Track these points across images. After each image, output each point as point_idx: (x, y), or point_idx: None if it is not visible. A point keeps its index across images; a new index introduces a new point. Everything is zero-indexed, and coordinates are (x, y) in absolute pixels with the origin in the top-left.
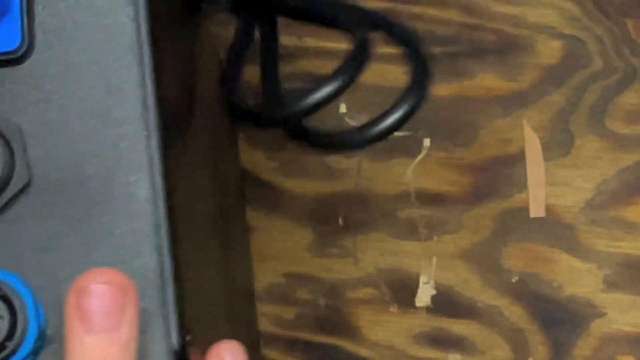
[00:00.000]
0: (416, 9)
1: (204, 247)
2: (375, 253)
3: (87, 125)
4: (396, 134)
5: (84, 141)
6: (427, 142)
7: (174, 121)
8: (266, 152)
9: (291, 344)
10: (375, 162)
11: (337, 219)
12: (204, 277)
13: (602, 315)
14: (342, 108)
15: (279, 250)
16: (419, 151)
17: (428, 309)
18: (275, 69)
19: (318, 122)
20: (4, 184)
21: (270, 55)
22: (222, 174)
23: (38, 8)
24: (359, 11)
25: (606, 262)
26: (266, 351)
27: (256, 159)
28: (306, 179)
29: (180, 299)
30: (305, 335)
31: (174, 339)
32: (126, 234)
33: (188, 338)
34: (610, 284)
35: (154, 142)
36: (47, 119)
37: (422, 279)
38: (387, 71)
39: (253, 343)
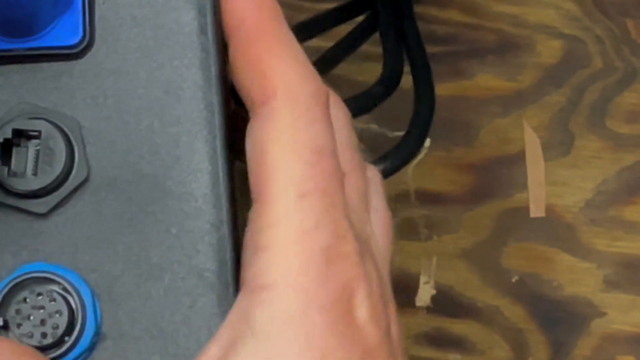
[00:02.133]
0: (416, 9)
1: None
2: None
3: (144, 123)
4: (396, 133)
5: (142, 139)
6: (427, 142)
7: (226, 118)
8: None
9: None
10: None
11: None
12: None
13: (602, 315)
14: None
15: None
16: (418, 151)
17: (428, 309)
18: (333, 64)
19: None
20: (63, 179)
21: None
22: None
23: (98, 3)
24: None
25: (606, 262)
26: None
27: None
28: None
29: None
30: None
31: None
32: (183, 232)
33: None
34: (610, 284)
35: (218, 141)
36: (104, 115)
37: (422, 279)
38: None
39: None
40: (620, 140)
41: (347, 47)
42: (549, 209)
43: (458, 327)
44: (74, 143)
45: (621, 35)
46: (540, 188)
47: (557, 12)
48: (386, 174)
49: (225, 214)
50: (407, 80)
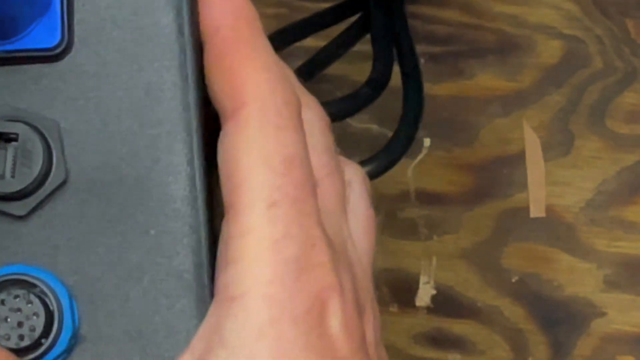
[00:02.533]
0: (416, 9)
1: None
2: (376, 253)
3: (124, 125)
4: None
5: (121, 140)
6: (427, 142)
7: (205, 121)
8: None
9: None
10: None
11: None
12: None
13: (602, 315)
14: None
15: None
16: (419, 151)
17: (428, 309)
18: (323, 66)
19: None
20: (41, 181)
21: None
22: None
23: (78, 5)
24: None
25: (606, 262)
26: None
27: None
28: None
29: None
30: None
31: None
32: (162, 234)
33: None
34: (610, 284)
35: (195, 143)
36: (84, 117)
37: (422, 279)
38: None
39: None
40: (620, 140)
41: (338, 48)
42: (549, 209)
43: (458, 327)
44: (52, 145)
45: (621, 35)
46: (540, 188)
47: (557, 12)
48: (375, 175)
49: (202, 216)
50: (396, 79)
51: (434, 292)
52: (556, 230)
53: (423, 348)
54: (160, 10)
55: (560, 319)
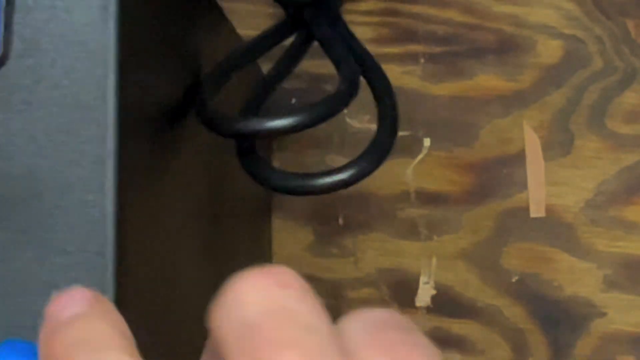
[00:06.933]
0: (416, 9)
1: (178, 261)
2: (375, 253)
3: (51, 140)
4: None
5: (46, 156)
6: (427, 142)
7: (142, 140)
8: (266, 152)
9: None
10: None
11: (337, 219)
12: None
13: (602, 315)
14: None
15: (279, 250)
16: (419, 151)
17: (428, 309)
18: (275, 84)
19: None
20: None
21: (283, 69)
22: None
23: (16, 18)
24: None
25: (606, 262)
26: None
27: None
28: None
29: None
30: None
31: None
32: (79, 252)
33: None
34: (610, 284)
35: (110, 164)
36: (11, 130)
37: (422, 279)
38: (386, 70)
39: None
40: (620, 140)
41: (285, 66)
42: (549, 209)
43: (458, 327)
44: None
45: (621, 35)
46: (540, 188)
47: (557, 12)
48: (358, 179)
49: (110, 239)
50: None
51: (434, 292)
52: (556, 230)
53: None
54: (95, 27)
55: (560, 319)
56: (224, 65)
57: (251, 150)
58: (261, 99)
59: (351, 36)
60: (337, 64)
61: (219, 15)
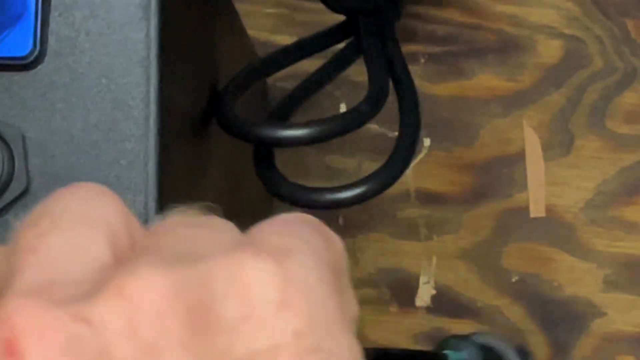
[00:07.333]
0: (416, 9)
1: None
2: (375, 253)
3: (90, 138)
4: (396, 133)
5: (85, 154)
6: (427, 142)
7: (179, 140)
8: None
9: None
10: (375, 161)
11: (337, 219)
12: None
13: (602, 315)
14: (342, 108)
15: None
16: (419, 151)
17: (428, 309)
18: (313, 90)
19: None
20: (2, 190)
21: (325, 77)
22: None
23: (54, 15)
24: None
25: (606, 262)
26: None
27: None
28: (306, 178)
29: None
30: None
31: None
32: None
33: None
34: (610, 284)
35: (152, 163)
36: (50, 128)
37: (422, 279)
38: None
39: None
40: (620, 140)
41: (332, 71)
42: (549, 209)
43: (458, 327)
44: (14, 154)
45: (621, 35)
46: (540, 188)
47: (557, 12)
48: (371, 196)
49: None
50: None
51: (434, 292)
52: (556, 230)
53: (423, 348)
54: (134, 25)
55: (560, 319)
56: (254, 69)
57: (267, 157)
58: (295, 104)
59: (397, 54)
60: (370, 79)
61: (236, 17)
